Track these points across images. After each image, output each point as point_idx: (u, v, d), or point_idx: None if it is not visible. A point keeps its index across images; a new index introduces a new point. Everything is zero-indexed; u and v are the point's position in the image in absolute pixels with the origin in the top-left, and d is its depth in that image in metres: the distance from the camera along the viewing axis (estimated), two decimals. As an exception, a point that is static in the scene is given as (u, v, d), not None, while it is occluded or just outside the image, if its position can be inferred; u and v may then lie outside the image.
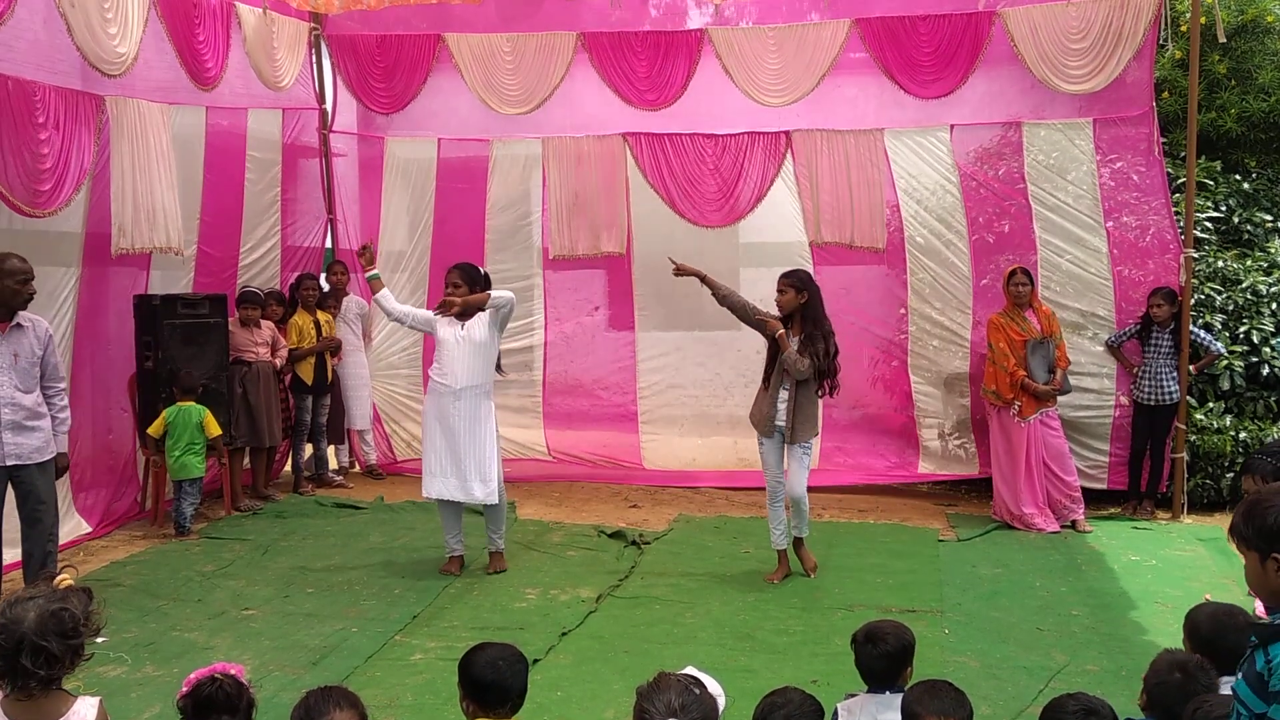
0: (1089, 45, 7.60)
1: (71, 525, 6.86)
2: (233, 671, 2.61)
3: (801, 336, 5.98)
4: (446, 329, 6.20)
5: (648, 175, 8.73)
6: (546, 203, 8.93)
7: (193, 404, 7.20)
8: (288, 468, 8.81)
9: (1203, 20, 7.61)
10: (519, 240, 9.07)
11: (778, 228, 8.60)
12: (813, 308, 5.99)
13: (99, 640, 3.68)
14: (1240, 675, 2.18)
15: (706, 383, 9.00)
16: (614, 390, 9.13)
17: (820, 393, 6.10)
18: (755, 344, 8.50)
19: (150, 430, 7.13)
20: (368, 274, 6.41)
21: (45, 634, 2.41)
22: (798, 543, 6.30)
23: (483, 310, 6.18)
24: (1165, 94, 8.54)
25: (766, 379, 6.15)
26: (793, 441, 6.03)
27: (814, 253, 8.40)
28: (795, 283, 5.99)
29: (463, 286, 6.16)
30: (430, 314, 6.35)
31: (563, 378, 9.21)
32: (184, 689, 2.58)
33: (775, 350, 6.07)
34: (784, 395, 6.03)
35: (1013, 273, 7.50)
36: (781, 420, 6.04)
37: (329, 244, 9.43)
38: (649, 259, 8.73)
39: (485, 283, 6.36)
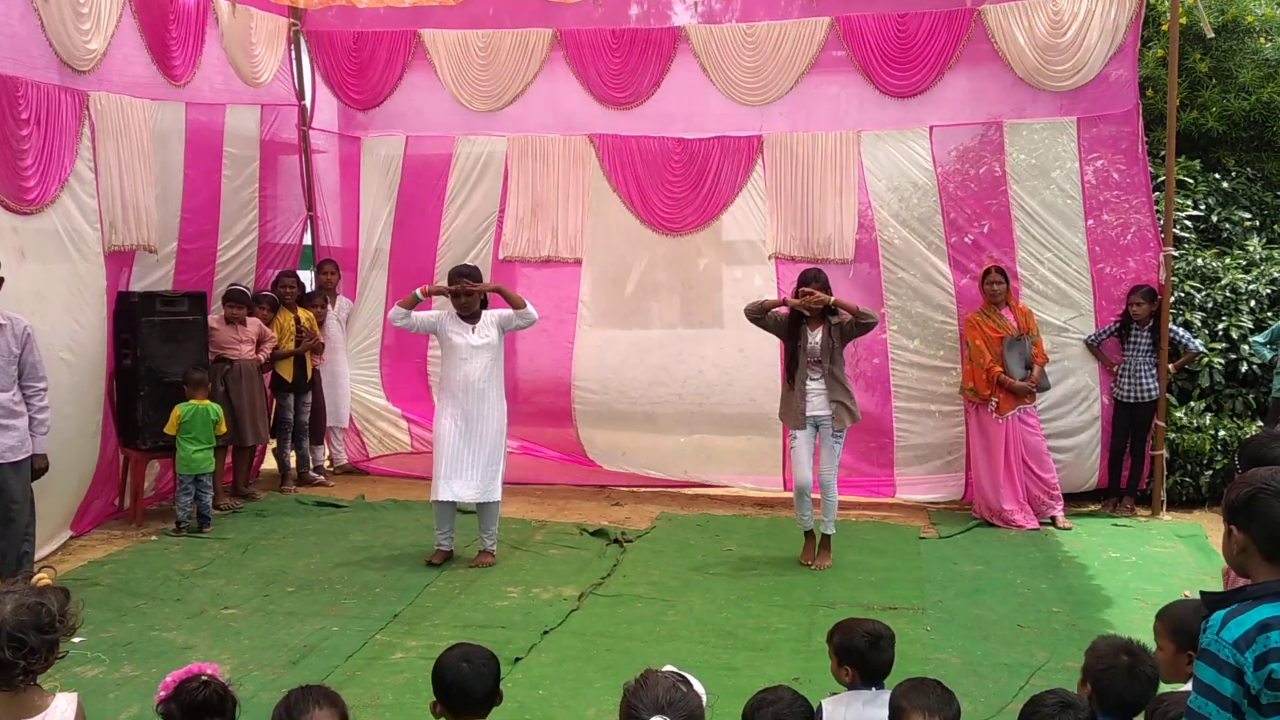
0: (1070, 40, 7.58)
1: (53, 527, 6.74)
2: (209, 671, 2.59)
3: (826, 320, 6.32)
4: (457, 336, 6.37)
5: (611, 178, 8.54)
6: (505, 202, 8.70)
7: (207, 401, 7.19)
8: (267, 465, 8.76)
9: (1182, 20, 7.63)
10: (477, 240, 8.77)
11: (751, 229, 8.39)
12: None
13: (76, 640, 3.65)
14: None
15: (659, 383, 8.63)
16: (553, 390, 8.78)
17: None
18: (714, 346, 8.40)
19: (166, 429, 7.07)
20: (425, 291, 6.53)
21: (22, 626, 2.41)
22: (823, 540, 6.52)
23: (508, 312, 6.47)
24: (1149, 91, 8.55)
25: (790, 377, 6.38)
26: (838, 426, 6.29)
27: (777, 261, 8.22)
28: (825, 283, 6.32)
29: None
30: (433, 315, 6.55)
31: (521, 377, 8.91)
32: (162, 693, 2.55)
33: (794, 347, 6.33)
34: (814, 385, 6.30)
35: (987, 271, 7.53)
36: (816, 410, 6.30)
37: (308, 241, 9.36)
38: (608, 262, 8.66)
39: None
